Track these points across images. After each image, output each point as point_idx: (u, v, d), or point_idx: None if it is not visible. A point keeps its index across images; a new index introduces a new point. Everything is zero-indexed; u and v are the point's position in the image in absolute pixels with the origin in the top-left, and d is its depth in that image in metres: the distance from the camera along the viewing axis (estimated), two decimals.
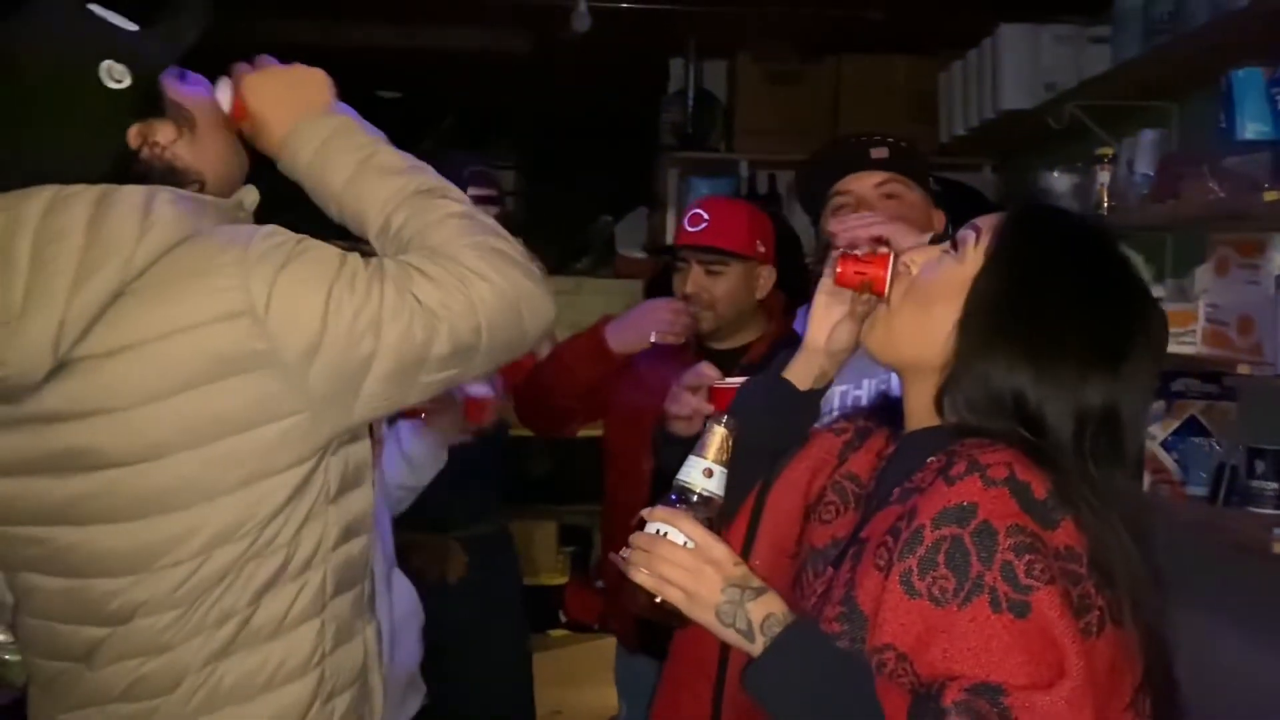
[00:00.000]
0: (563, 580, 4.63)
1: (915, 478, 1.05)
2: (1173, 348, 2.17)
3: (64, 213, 1.07)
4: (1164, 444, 2.21)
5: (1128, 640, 0.99)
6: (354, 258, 1.14)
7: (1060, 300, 1.07)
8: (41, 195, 1.09)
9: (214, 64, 1.27)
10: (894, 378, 1.24)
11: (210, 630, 1.14)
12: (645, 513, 1.07)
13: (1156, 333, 1.13)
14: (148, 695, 1.16)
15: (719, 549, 1.04)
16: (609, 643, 2.45)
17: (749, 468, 1.21)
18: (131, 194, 1.10)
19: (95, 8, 1.18)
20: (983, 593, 0.95)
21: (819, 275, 1.26)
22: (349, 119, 1.25)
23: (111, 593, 1.14)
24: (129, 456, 1.10)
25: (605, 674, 2.46)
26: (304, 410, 1.12)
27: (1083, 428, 1.04)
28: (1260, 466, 2.01)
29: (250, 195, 1.25)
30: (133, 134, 1.15)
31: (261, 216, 1.24)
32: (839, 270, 1.18)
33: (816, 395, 1.29)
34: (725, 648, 1.17)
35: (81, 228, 1.06)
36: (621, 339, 2.15)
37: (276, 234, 1.14)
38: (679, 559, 1.03)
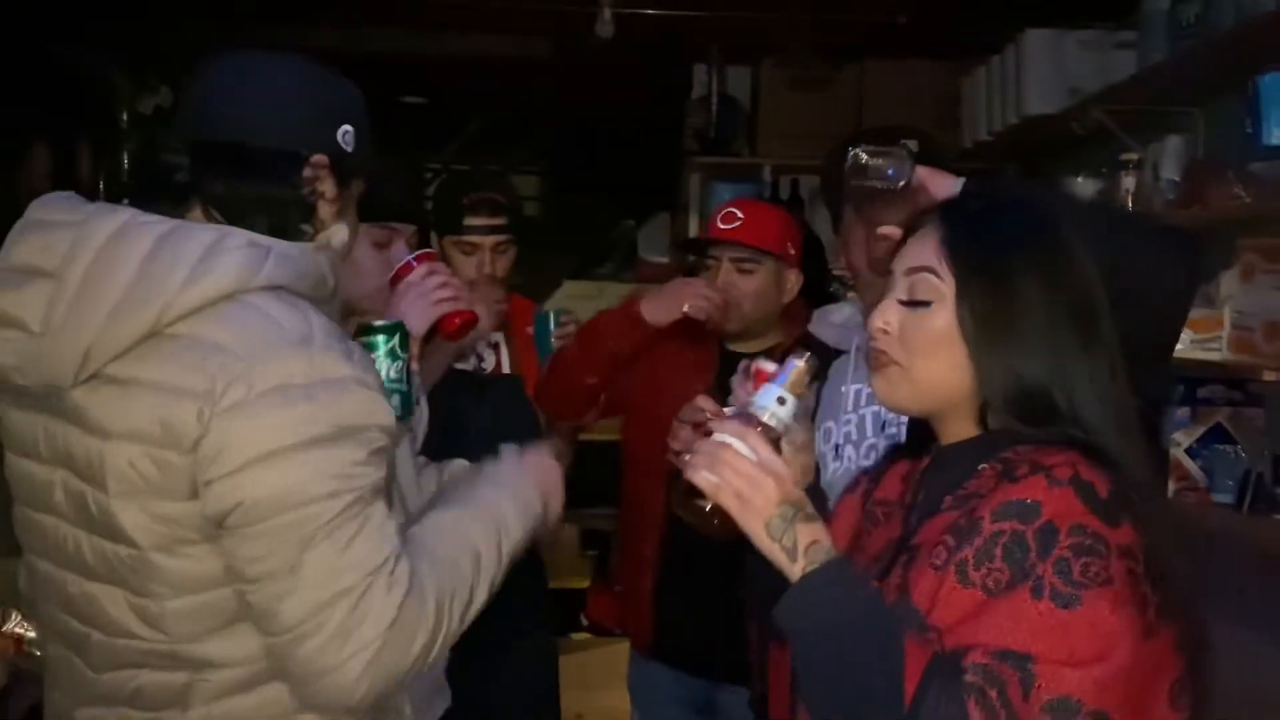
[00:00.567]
0: (584, 584, 4.63)
1: (969, 485, 1.06)
2: (1198, 354, 2.16)
3: (126, 242, 1.10)
4: (1189, 451, 2.20)
5: (1171, 636, 1.00)
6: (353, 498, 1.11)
7: (1035, 294, 1.07)
8: (117, 217, 1.12)
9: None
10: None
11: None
12: (714, 424, 1.10)
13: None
14: (153, 706, 1.18)
15: (782, 467, 1.05)
16: (629, 646, 2.45)
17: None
18: (201, 234, 1.12)
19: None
20: (1029, 581, 0.96)
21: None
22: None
23: (102, 598, 1.17)
24: (105, 486, 1.12)
25: (625, 677, 2.46)
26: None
27: (1116, 411, 1.06)
28: None
29: (339, 234, 1.27)
30: (315, 158, 1.22)
31: None
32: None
33: (813, 493, 1.30)
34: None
35: (136, 263, 1.09)
36: (655, 309, 2.14)
37: (297, 400, 1.09)
38: (742, 466, 1.04)
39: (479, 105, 5.24)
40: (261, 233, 1.17)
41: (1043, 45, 3.04)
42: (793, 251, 2.18)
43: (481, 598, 1.25)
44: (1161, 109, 2.67)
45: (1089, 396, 1.06)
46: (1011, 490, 1.01)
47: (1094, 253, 1.11)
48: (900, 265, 1.15)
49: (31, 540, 1.24)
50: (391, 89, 4.64)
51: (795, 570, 1.02)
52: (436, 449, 1.73)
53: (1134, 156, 2.55)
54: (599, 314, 2.26)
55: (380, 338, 1.45)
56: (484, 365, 2.31)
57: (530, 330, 2.35)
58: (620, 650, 2.44)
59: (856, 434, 1.76)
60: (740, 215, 2.14)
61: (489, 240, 2.22)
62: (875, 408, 1.75)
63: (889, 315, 1.13)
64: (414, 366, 1.52)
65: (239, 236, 1.13)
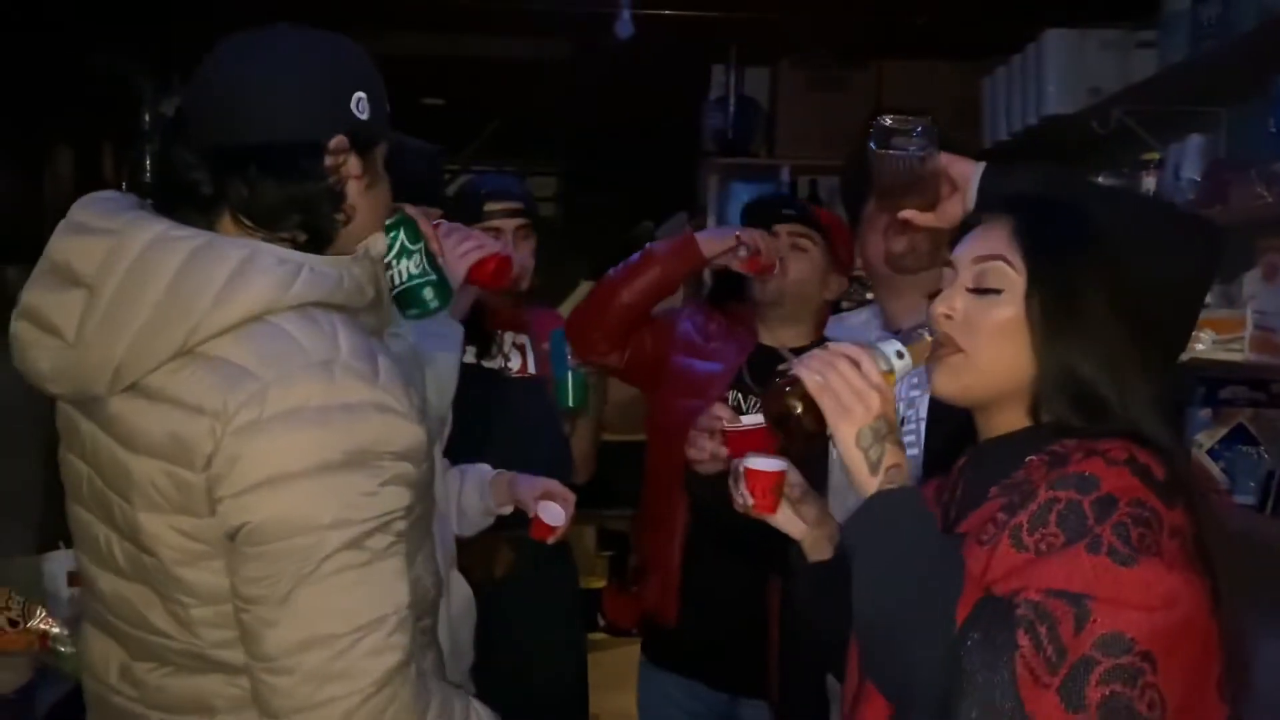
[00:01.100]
0: (601, 584, 4.65)
1: (1017, 475, 1.08)
2: (1220, 354, 2.15)
3: (157, 258, 1.09)
4: (1211, 452, 2.18)
5: (1216, 627, 1.01)
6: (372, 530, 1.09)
7: (1105, 293, 1.10)
8: (149, 231, 1.11)
9: None
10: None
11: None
12: (832, 345, 1.11)
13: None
14: (178, 709, 1.18)
15: (890, 392, 1.08)
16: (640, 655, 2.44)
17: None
18: (231, 252, 1.10)
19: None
20: (1085, 538, 0.97)
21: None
22: None
23: (135, 599, 1.17)
24: (130, 499, 1.13)
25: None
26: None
27: (1165, 411, 1.08)
28: None
29: (377, 244, 1.26)
30: (335, 141, 1.18)
31: None
32: (756, 503, 1.32)
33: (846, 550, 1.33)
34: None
35: (166, 281, 1.08)
36: (708, 237, 2.20)
37: (317, 427, 1.07)
38: (852, 376, 1.07)
39: (497, 107, 5.26)
40: (295, 232, 1.16)
41: (1063, 45, 3.03)
42: (844, 257, 2.21)
43: None
44: (1183, 109, 2.65)
45: (1144, 396, 1.08)
46: (1070, 468, 1.02)
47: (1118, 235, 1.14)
48: (967, 254, 1.16)
49: (75, 532, 1.25)
50: (410, 91, 4.66)
51: (871, 484, 1.05)
52: (458, 449, 1.74)
53: (1155, 156, 2.54)
54: (655, 244, 2.29)
55: (386, 243, 1.39)
56: (509, 366, 2.32)
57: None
58: (636, 652, 2.43)
59: None
60: (804, 205, 2.26)
61: (511, 224, 2.26)
62: (898, 404, 1.75)
63: (954, 301, 1.15)
64: (433, 248, 1.46)
65: (269, 256, 1.11)
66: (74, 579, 2.21)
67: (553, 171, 5.73)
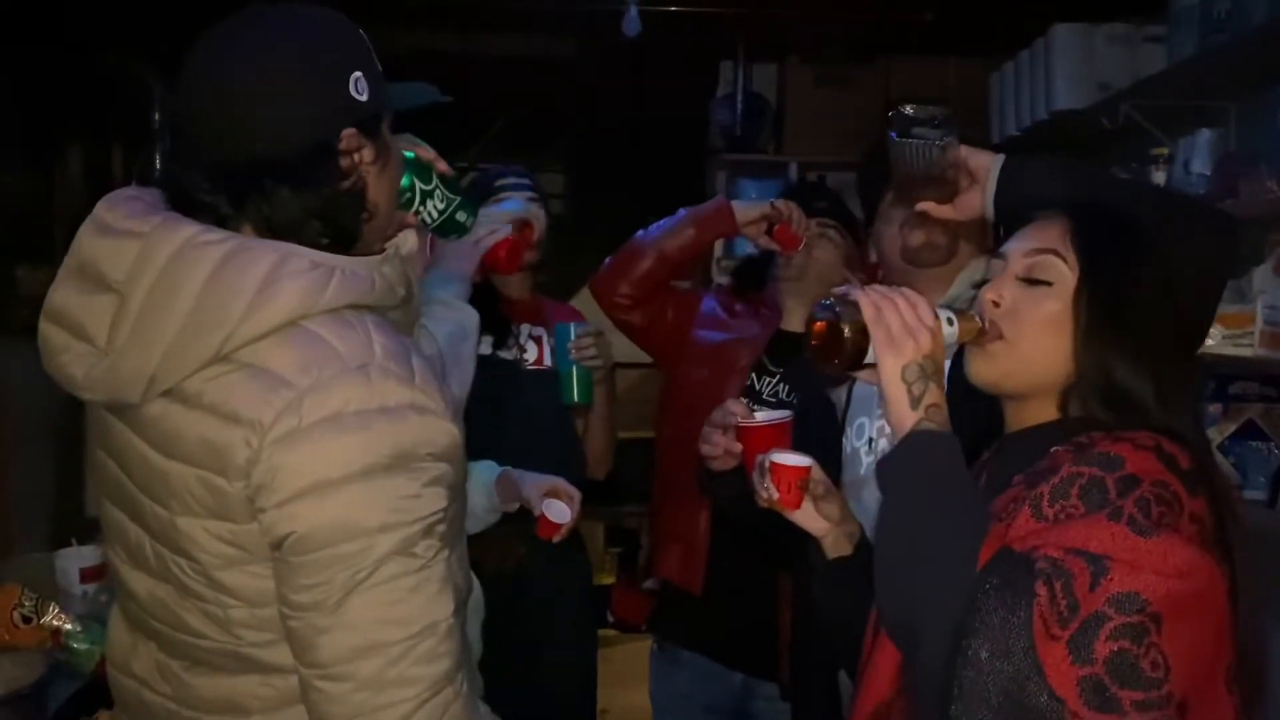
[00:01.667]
0: (610, 580, 4.64)
1: (1041, 464, 1.08)
2: (1230, 350, 2.15)
3: (187, 264, 1.07)
4: (1221, 448, 2.18)
5: (1231, 617, 1.02)
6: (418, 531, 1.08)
7: (1153, 296, 1.13)
8: (178, 235, 1.09)
9: None
10: None
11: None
12: (905, 291, 1.13)
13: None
14: (213, 709, 1.18)
15: (942, 339, 1.10)
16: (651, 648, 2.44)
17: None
18: (262, 255, 1.08)
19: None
20: (1106, 509, 0.98)
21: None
22: None
23: (169, 600, 1.17)
24: (167, 504, 1.12)
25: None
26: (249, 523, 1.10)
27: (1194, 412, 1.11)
28: None
29: (408, 242, 1.24)
30: (346, 136, 1.14)
31: None
32: (781, 497, 1.32)
33: (864, 547, 1.35)
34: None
35: (196, 288, 1.06)
36: (744, 208, 2.25)
37: (354, 432, 1.06)
38: (908, 313, 1.09)
39: (505, 105, 5.26)
40: (320, 238, 1.14)
41: (1072, 40, 3.02)
42: (874, 260, 2.20)
43: None
44: (1192, 103, 2.65)
45: (1181, 403, 1.10)
46: (1096, 449, 1.04)
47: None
48: (1020, 247, 1.19)
49: (107, 530, 1.25)
50: None
51: (910, 418, 1.06)
52: (471, 439, 1.75)
53: (1164, 151, 2.54)
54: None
55: (406, 195, 1.39)
56: (525, 357, 2.33)
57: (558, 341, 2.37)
58: (645, 648, 2.43)
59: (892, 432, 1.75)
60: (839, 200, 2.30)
61: (523, 195, 2.29)
62: None
63: (1003, 289, 1.17)
64: (441, 167, 1.44)
65: (301, 259, 1.09)
66: (87, 575, 2.22)
67: (561, 169, 5.73)
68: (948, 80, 3.86)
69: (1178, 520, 0.98)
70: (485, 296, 2.30)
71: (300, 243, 1.12)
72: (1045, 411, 1.15)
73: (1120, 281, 1.13)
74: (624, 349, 2.49)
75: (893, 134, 1.39)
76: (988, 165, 1.38)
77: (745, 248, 3.71)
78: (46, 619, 2.08)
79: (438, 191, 1.41)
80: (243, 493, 1.06)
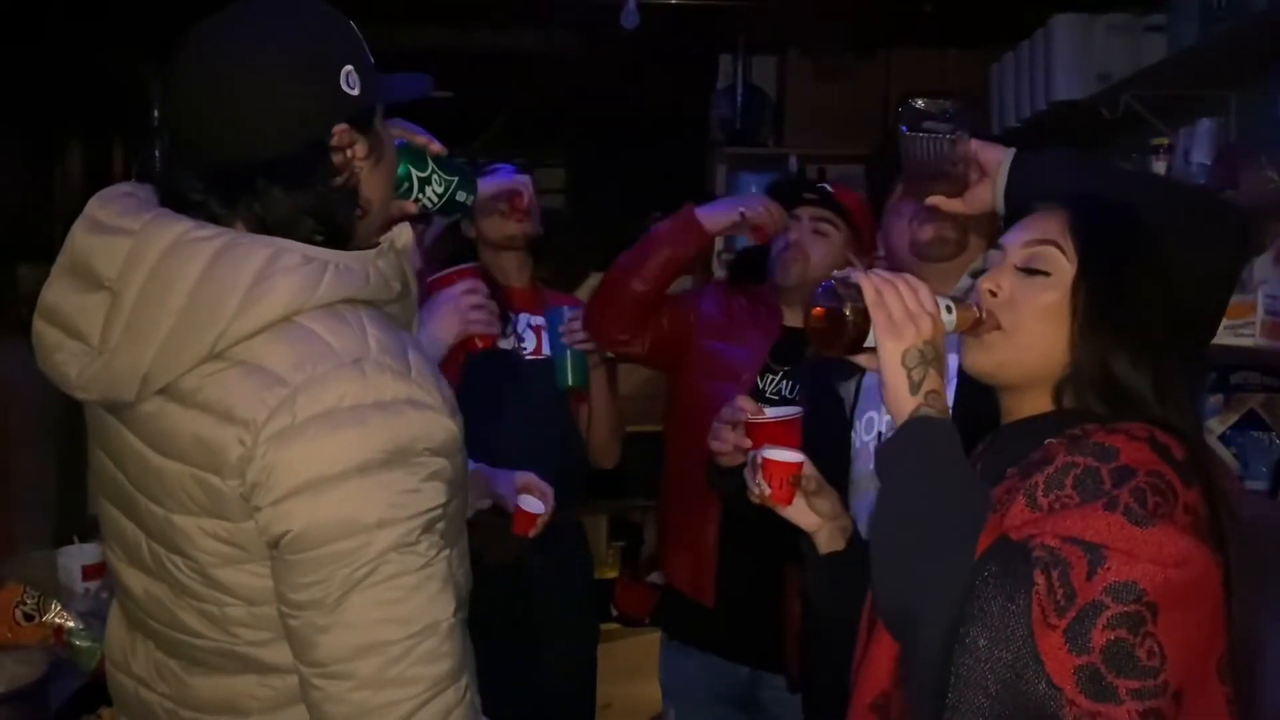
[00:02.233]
0: (613, 574, 4.65)
1: (1035, 456, 1.08)
2: (1231, 340, 2.14)
3: (179, 261, 1.06)
4: (1223, 438, 2.18)
5: (1224, 608, 1.02)
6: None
7: (1153, 289, 1.13)
8: (170, 232, 1.08)
9: None
10: None
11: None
12: (909, 277, 1.12)
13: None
14: (212, 710, 1.18)
15: (943, 324, 1.10)
16: (659, 637, 2.45)
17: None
18: (254, 251, 1.07)
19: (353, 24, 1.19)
20: (1102, 498, 0.98)
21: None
22: None
23: (165, 599, 1.17)
24: (162, 501, 1.12)
25: (654, 669, 2.47)
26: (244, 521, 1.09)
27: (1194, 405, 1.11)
28: None
29: (403, 236, 1.22)
30: (337, 132, 1.13)
31: None
32: (772, 493, 1.33)
33: (857, 543, 1.34)
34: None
35: (189, 285, 1.05)
36: (711, 213, 2.21)
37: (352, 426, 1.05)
38: (910, 298, 1.08)
39: (505, 99, 5.26)
40: (313, 235, 1.13)
41: (1071, 30, 3.01)
42: (868, 238, 2.19)
43: None
44: (1192, 93, 2.64)
45: (1180, 399, 1.09)
46: (1088, 441, 1.04)
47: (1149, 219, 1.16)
48: (1019, 238, 1.18)
49: (104, 528, 1.24)
50: None
51: (910, 403, 1.06)
52: (469, 430, 1.75)
53: (1164, 141, 2.53)
54: (657, 224, 2.29)
55: (404, 185, 1.39)
56: (524, 346, 2.33)
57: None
58: (648, 641, 2.44)
59: None
60: (831, 189, 2.22)
61: (518, 181, 2.30)
62: None
63: (1001, 279, 1.17)
64: (435, 148, 1.43)
65: (293, 254, 1.08)
66: (89, 572, 2.22)
67: (561, 163, 5.73)
68: (948, 72, 3.85)
69: (1173, 510, 0.98)
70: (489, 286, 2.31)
71: (294, 240, 1.11)
72: (1040, 403, 1.15)
73: (1119, 274, 1.13)
74: None
75: (903, 127, 1.39)
76: (998, 159, 1.38)
77: (744, 241, 3.72)
78: (49, 616, 2.08)
79: (434, 176, 1.41)
80: (237, 491, 1.06)
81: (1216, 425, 2.17)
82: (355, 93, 1.14)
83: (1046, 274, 1.14)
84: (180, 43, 1.12)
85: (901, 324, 1.07)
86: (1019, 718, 0.94)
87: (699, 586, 2.21)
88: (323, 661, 1.06)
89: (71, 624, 2.08)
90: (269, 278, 1.06)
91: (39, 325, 1.15)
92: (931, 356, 1.07)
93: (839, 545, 1.35)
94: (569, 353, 2.28)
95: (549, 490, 1.96)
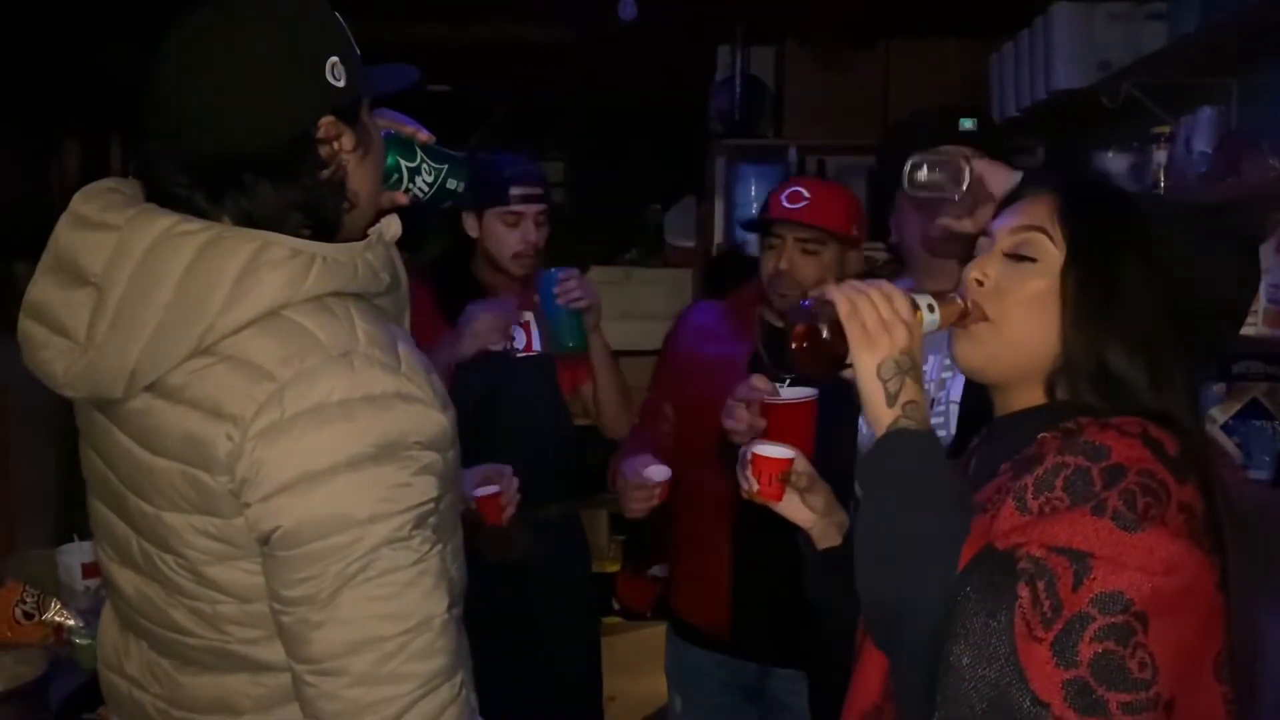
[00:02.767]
0: (615, 568, 4.66)
1: (1028, 451, 1.06)
2: None
3: (165, 255, 1.06)
4: (1225, 427, 2.17)
5: (1220, 606, 0.99)
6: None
7: (1144, 276, 1.09)
8: (155, 226, 1.07)
9: None
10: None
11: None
12: (880, 283, 1.10)
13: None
14: (204, 709, 1.17)
15: (919, 331, 1.08)
16: (661, 630, 2.45)
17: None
18: (241, 244, 1.06)
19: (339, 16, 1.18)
20: (1090, 502, 0.96)
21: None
22: None
23: (156, 598, 1.16)
24: (151, 499, 1.11)
25: (658, 661, 2.46)
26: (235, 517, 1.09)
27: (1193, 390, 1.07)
28: None
29: (391, 226, 1.21)
30: (324, 124, 1.12)
31: None
32: (760, 489, 1.32)
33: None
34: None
35: (175, 279, 1.04)
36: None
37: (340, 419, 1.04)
38: (884, 308, 1.06)
39: (504, 93, 5.25)
40: (301, 229, 1.12)
41: (1071, 19, 2.99)
42: (856, 233, 2.12)
43: None
44: (1194, 80, 2.62)
45: (1178, 389, 1.06)
46: (1082, 437, 1.01)
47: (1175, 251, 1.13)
48: (1006, 225, 1.15)
49: (95, 527, 1.24)
50: (419, 78, 4.64)
51: (887, 416, 1.04)
52: (465, 432, 1.75)
53: (1166, 129, 2.52)
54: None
55: (394, 176, 1.37)
56: (515, 346, 2.33)
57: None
58: (651, 634, 2.45)
59: None
60: (806, 195, 2.08)
61: (532, 210, 2.30)
62: (927, 384, 1.74)
63: (988, 267, 1.13)
64: (423, 137, 1.40)
65: (280, 247, 1.07)
66: (89, 570, 2.22)
67: (560, 157, 5.72)
68: (947, 62, 3.83)
69: (1164, 510, 0.96)
70: (470, 290, 2.31)
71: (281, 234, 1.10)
72: (1032, 395, 1.12)
73: (1109, 260, 1.09)
74: (629, 338, 2.49)
75: (905, 187, 1.42)
76: (1005, 183, 1.37)
77: (746, 236, 3.71)
78: (49, 615, 2.08)
79: (424, 165, 1.39)
80: (227, 487, 1.05)
81: (1219, 414, 2.16)
82: (341, 84, 1.12)
83: (1033, 260, 1.11)
84: (164, 35, 1.11)
85: (876, 334, 1.05)
86: None
87: (714, 625, 2.18)
88: (315, 658, 1.05)
89: (71, 622, 2.08)
90: (255, 271, 1.05)
91: (25, 323, 1.14)
92: (908, 366, 1.05)
93: (835, 541, 1.33)
94: (564, 314, 2.26)
95: (506, 470, 1.90)
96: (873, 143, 2.22)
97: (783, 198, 2.09)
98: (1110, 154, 2.68)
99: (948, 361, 1.65)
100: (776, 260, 2.07)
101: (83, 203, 1.13)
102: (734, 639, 2.16)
